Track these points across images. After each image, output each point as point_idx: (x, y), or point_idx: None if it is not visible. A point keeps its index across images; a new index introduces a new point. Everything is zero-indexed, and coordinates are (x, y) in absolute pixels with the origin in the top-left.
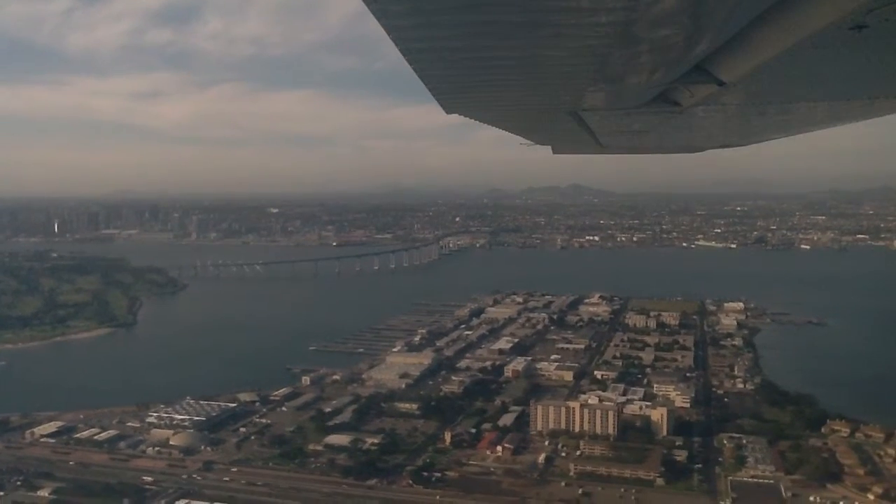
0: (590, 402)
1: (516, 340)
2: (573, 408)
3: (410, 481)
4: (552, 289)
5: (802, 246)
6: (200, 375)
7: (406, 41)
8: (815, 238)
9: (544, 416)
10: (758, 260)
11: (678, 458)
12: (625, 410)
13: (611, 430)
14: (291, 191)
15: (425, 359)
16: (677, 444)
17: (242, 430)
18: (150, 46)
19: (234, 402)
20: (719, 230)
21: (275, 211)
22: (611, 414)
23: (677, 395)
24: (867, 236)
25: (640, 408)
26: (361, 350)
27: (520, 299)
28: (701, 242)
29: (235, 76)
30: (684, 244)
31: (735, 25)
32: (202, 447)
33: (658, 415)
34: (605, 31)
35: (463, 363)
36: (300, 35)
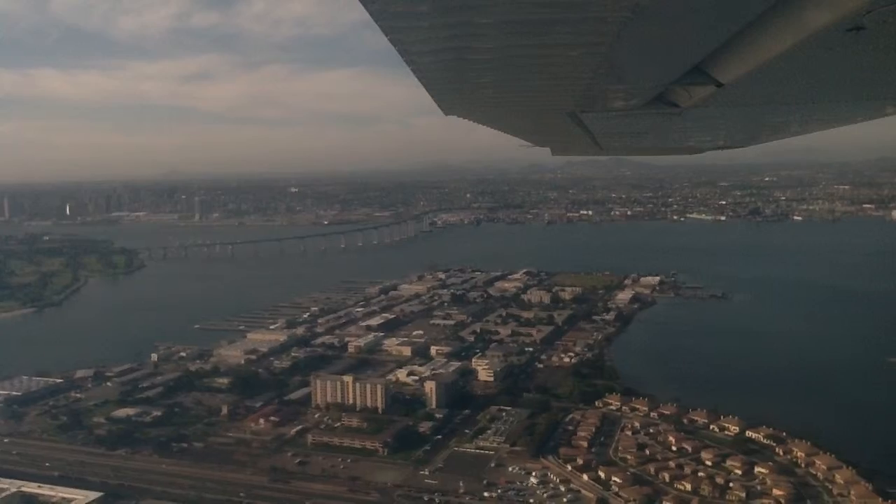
0: (400, 375)
1: (392, 317)
2: (347, 382)
3: (151, 451)
4: (499, 265)
5: (795, 217)
6: (68, 353)
7: (404, 43)
8: (815, 209)
9: (323, 390)
10: (737, 233)
11: (421, 430)
12: (425, 384)
13: (379, 403)
14: (338, 170)
15: (280, 336)
16: (436, 415)
17: (51, 403)
18: (197, 29)
19: (64, 379)
20: (724, 202)
21: (294, 190)
22: (379, 388)
23: (484, 368)
24: (872, 206)
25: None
26: (242, 328)
27: (442, 276)
28: (693, 216)
29: (282, 57)
30: (675, 217)
31: (733, 27)
32: None
33: (429, 388)
34: (605, 32)
35: (319, 340)
36: (344, 13)
